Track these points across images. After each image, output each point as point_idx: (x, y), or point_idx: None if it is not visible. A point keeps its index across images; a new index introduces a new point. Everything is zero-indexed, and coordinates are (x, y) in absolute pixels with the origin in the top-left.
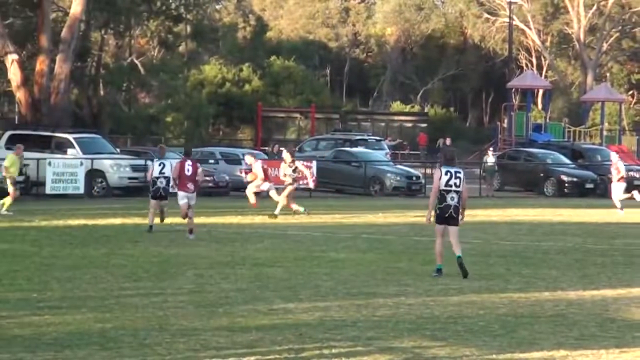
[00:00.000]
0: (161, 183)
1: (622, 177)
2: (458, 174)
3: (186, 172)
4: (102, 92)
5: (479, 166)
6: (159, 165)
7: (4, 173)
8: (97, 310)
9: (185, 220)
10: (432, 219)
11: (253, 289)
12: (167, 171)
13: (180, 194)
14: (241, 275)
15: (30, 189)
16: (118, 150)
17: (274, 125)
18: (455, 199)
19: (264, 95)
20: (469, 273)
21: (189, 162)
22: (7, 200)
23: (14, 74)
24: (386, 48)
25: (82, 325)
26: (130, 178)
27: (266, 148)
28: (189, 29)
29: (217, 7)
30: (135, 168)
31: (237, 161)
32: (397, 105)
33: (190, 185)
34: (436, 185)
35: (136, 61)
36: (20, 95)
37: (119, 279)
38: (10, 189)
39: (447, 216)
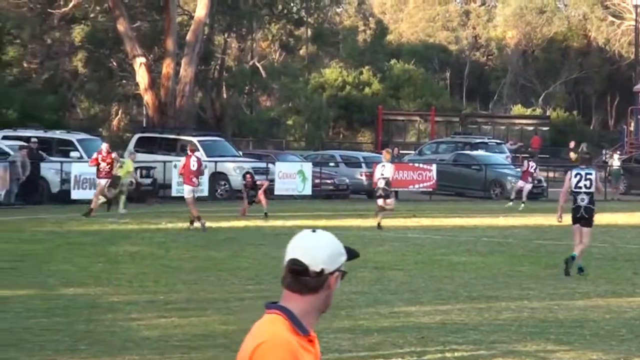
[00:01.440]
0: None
1: None
2: (589, 176)
3: (192, 168)
4: (224, 95)
5: (603, 169)
6: None
7: (121, 174)
8: (221, 312)
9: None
10: (562, 218)
11: (375, 292)
12: None
13: (187, 188)
14: (362, 278)
15: (157, 191)
16: (240, 153)
17: (394, 128)
18: (586, 200)
19: (384, 98)
20: (570, 274)
21: (194, 158)
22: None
23: (142, 77)
24: (507, 51)
25: (207, 327)
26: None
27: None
28: (309, 32)
29: (338, 10)
30: (257, 170)
31: (357, 164)
32: (517, 109)
33: (195, 180)
34: (566, 186)
35: (258, 64)
36: (147, 98)
37: (242, 281)
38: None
39: (578, 216)
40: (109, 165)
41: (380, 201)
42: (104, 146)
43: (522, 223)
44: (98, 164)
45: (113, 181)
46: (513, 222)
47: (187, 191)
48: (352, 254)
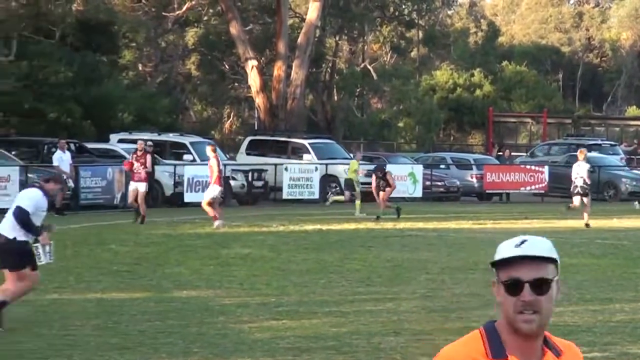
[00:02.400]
0: None
1: None
2: None
3: (220, 167)
4: (335, 98)
5: None
6: None
7: (350, 176)
8: (332, 314)
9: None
10: None
11: (486, 294)
12: None
13: (217, 188)
14: (473, 280)
15: (269, 194)
16: (351, 155)
17: (505, 130)
18: None
19: (495, 100)
20: None
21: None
22: (357, 203)
23: (254, 80)
24: (621, 52)
25: (318, 329)
26: (363, 183)
27: (499, 153)
28: (420, 34)
29: (449, 12)
30: (368, 173)
31: (468, 166)
32: (632, 110)
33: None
34: None
35: (369, 67)
36: (259, 100)
37: (353, 283)
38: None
39: None
40: (143, 166)
41: (577, 200)
42: (139, 145)
43: (638, 225)
44: (132, 166)
45: (347, 185)
46: (628, 224)
47: (217, 191)
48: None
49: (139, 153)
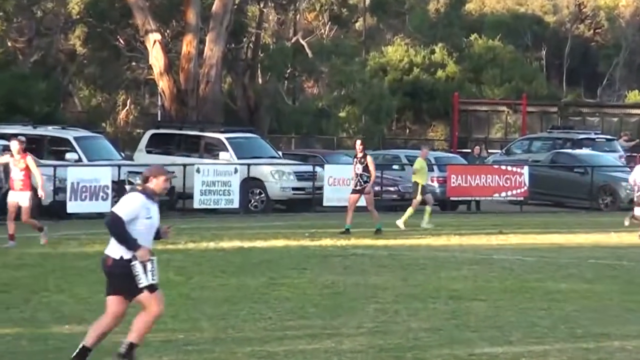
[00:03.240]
0: None
1: None
2: None
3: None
4: (260, 81)
5: None
6: None
7: (417, 179)
8: (256, 355)
9: None
10: None
11: (450, 329)
12: None
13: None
14: (434, 311)
15: (176, 202)
16: (280, 153)
17: (475, 121)
18: None
19: (461, 83)
20: None
21: None
22: (409, 211)
23: (156, 58)
24: (620, 23)
25: None
26: (295, 189)
27: (466, 150)
28: (367, 0)
29: None
30: (301, 176)
31: (428, 167)
32: (634, 95)
33: None
34: None
35: (302, 41)
36: (163, 84)
37: (282, 315)
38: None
39: None
40: (24, 171)
41: (638, 210)
42: (16, 142)
43: None
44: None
45: (414, 189)
46: (628, 240)
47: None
48: None
49: (16, 153)
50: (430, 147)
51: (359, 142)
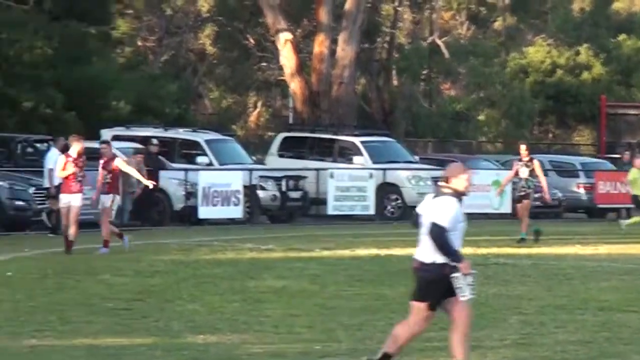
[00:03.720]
0: None
1: None
2: None
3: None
4: (395, 82)
5: None
6: None
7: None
8: None
9: None
10: None
11: (600, 341)
12: None
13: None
14: (583, 322)
15: (309, 208)
16: (416, 157)
17: (624, 125)
18: None
19: (609, 85)
20: None
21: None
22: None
23: (287, 59)
24: None
25: None
26: None
27: (615, 156)
28: None
29: None
30: (438, 181)
31: (574, 173)
32: None
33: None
34: None
35: (438, 41)
36: (294, 85)
37: None
38: None
39: None
40: (110, 174)
41: None
42: (104, 147)
43: None
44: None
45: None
46: None
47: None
48: None
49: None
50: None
51: (524, 146)
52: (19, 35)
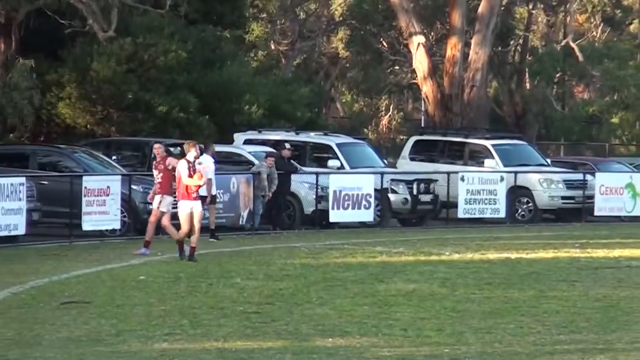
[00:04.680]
0: None
1: None
2: None
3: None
4: (527, 85)
5: None
6: None
7: None
8: None
9: None
10: None
11: None
12: None
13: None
14: None
15: (440, 211)
16: (548, 161)
17: None
18: None
19: None
20: None
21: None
22: None
23: (420, 62)
24: None
25: None
26: (564, 197)
27: None
28: None
29: None
30: (570, 185)
31: None
32: None
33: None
34: None
35: (572, 44)
36: (427, 89)
37: (551, 329)
38: None
39: None
40: (162, 174)
41: None
42: (157, 147)
43: None
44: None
45: None
46: None
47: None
48: None
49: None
50: None
51: None
52: (155, 39)
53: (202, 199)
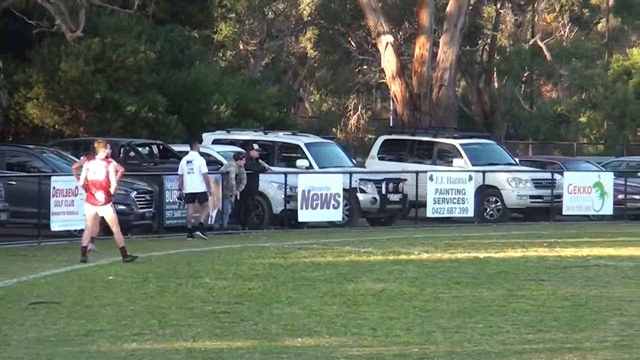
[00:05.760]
0: None
1: None
2: None
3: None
4: (495, 85)
5: None
6: None
7: None
8: None
9: None
10: None
11: None
12: None
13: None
14: None
15: (409, 211)
16: (517, 160)
17: None
18: None
19: None
20: None
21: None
22: None
23: (388, 61)
24: None
25: None
26: (532, 197)
27: None
28: (610, 0)
29: None
30: (539, 184)
31: None
32: None
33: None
34: None
35: (540, 44)
36: (395, 88)
37: (520, 328)
38: None
39: None
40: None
41: None
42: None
43: None
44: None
45: None
46: None
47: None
48: None
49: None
50: None
51: None
52: (123, 39)
53: (202, 195)
